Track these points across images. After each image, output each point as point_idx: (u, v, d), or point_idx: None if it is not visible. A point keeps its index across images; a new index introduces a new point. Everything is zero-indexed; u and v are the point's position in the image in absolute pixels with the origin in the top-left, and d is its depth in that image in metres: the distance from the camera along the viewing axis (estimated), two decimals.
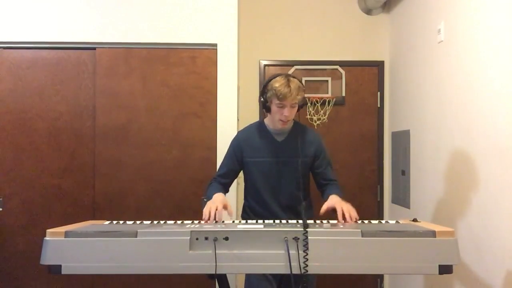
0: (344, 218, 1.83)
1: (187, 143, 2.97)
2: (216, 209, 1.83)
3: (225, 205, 1.89)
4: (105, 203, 2.94)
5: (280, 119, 2.06)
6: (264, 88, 2.09)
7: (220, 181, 2.19)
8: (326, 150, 2.23)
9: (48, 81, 2.95)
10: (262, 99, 2.10)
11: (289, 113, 2.03)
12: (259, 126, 2.21)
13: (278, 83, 2.01)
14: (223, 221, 1.80)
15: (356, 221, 1.82)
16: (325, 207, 1.91)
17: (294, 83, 2.02)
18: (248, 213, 2.24)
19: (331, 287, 3.46)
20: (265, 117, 2.22)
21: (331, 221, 1.81)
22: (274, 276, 2.06)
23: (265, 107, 2.11)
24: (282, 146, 2.14)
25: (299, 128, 2.19)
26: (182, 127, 2.97)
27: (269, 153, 2.13)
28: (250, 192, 2.21)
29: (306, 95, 3.42)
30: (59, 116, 2.95)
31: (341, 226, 1.64)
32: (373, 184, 3.54)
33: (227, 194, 2.19)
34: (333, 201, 1.93)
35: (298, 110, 2.11)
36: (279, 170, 2.13)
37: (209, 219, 1.80)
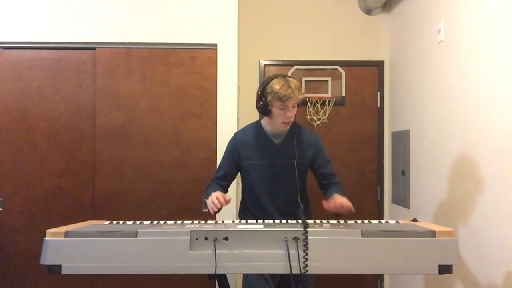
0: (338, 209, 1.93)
1: (187, 143, 2.97)
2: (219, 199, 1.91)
3: (224, 197, 1.93)
4: (105, 203, 2.94)
5: (283, 122, 2.04)
6: (262, 92, 2.02)
7: (218, 183, 2.18)
8: (324, 148, 2.22)
9: (48, 81, 2.95)
10: (261, 103, 2.03)
11: (292, 113, 2.03)
12: (257, 128, 2.18)
13: (278, 85, 1.97)
14: (223, 221, 1.80)
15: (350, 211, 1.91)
16: (331, 204, 1.95)
17: (293, 83, 2.01)
18: (246, 213, 2.23)
19: (331, 287, 3.46)
20: (262, 119, 2.17)
21: (331, 221, 1.81)
22: (273, 276, 2.06)
23: (264, 111, 2.04)
24: (280, 149, 2.13)
25: (296, 129, 2.17)
26: (182, 127, 2.97)
27: (266, 155, 2.12)
28: (247, 194, 2.21)
29: (306, 95, 3.43)
30: (59, 116, 2.95)
31: (341, 226, 1.64)
32: (373, 184, 3.54)
33: (226, 194, 2.20)
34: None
35: None
36: (276, 173, 2.12)
37: (218, 211, 1.89)
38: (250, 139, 2.16)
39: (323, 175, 2.20)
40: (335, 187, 2.15)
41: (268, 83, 2.02)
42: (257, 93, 2.06)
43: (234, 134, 2.25)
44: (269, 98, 2.00)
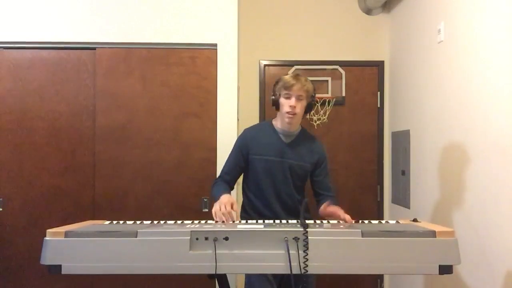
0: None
1: (187, 143, 2.96)
2: (226, 209, 1.84)
3: (232, 204, 1.88)
4: (105, 203, 2.94)
5: (286, 111, 2.08)
6: (275, 84, 2.16)
7: (225, 178, 2.22)
8: (328, 161, 2.27)
9: (48, 81, 2.95)
10: (272, 96, 2.16)
11: (296, 104, 2.07)
12: (268, 126, 2.24)
13: (287, 76, 2.13)
14: (223, 221, 1.80)
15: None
16: (329, 209, 1.96)
17: (303, 77, 2.12)
18: (247, 211, 2.24)
19: (331, 287, 3.46)
20: (273, 118, 2.24)
21: (331, 221, 1.81)
22: (275, 276, 2.07)
23: (275, 104, 2.16)
24: (288, 148, 2.17)
25: (306, 135, 2.24)
26: (182, 127, 2.97)
27: (275, 152, 2.15)
28: (251, 189, 2.22)
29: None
30: (59, 116, 2.95)
31: (341, 226, 1.64)
32: (373, 184, 3.54)
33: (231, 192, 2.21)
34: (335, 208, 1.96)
35: (306, 112, 2.16)
36: (283, 171, 2.15)
37: (223, 222, 1.80)
38: (260, 135, 2.20)
39: (320, 184, 2.23)
40: (332, 201, 2.16)
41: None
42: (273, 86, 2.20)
43: (244, 130, 2.30)
44: (277, 87, 2.13)
